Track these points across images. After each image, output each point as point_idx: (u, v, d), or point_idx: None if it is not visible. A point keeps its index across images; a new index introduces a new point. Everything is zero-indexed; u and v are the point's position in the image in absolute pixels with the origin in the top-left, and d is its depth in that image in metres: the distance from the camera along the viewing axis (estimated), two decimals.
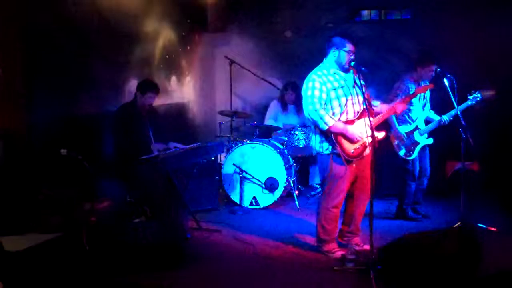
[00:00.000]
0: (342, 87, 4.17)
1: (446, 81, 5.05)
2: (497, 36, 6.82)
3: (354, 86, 4.24)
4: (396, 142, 5.29)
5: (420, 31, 7.16)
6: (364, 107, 4.19)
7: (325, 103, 4.14)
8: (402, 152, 5.29)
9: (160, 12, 6.13)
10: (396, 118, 5.34)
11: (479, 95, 5.15)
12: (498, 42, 6.80)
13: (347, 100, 4.17)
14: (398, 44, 7.26)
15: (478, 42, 6.90)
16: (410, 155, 5.28)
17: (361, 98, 4.21)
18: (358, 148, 4.15)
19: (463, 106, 5.12)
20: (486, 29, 6.87)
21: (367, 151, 4.19)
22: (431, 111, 5.48)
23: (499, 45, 6.80)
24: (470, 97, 5.15)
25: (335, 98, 4.15)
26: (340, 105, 4.15)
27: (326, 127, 4.08)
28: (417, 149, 5.29)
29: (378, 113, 4.37)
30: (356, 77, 4.25)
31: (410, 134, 5.27)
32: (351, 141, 4.12)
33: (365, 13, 7.65)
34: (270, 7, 7.74)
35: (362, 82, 4.26)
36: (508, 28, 6.76)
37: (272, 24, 7.73)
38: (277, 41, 7.72)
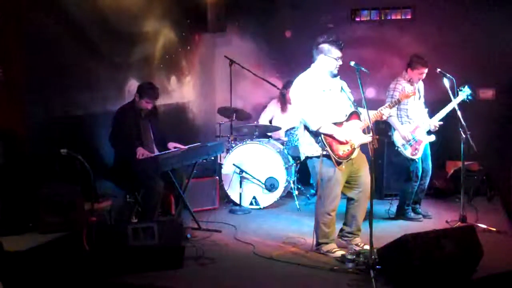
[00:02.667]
0: (330, 89, 4.22)
1: (446, 81, 5.07)
2: (497, 36, 6.83)
3: (341, 91, 4.30)
4: (401, 143, 5.27)
5: (420, 31, 7.17)
6: (353, 110, 4.24)
7: (316, 105, 4.16)
8: (408, 152, 5.26)
9: (160, 12, 6.13)
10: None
11: (468, 89, 5.15)
12: (498, 42, 6.82)
13: (335, 103, 4.21)
14: (398, 44, 7.27)
15: (478, 42, 6.92)
16: (416, 154, 5.27)
17: (348, 102, 4.27)
18: (348, 150, 4.16)
19: (457, 100, 5.12)
20: (486, 29, 6.89)
21: (356, 152, 4.22)
22: (424, 110, 5.46)
23: (499, 45, 6.82)
24: (461, 92, 5.15)
25: (323, 101, 4.18)
26: (328, 107, 4.18)
27: (316, 127, 4.10)
28: (422, 147, 5.28)
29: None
30: (343, 83, 4.34)
31: (412, 133, 5.27)
32: (340, 142, 4.13)
33: (365, 13, 7.66)
34: (270, 7, 7.75)
35: (349, 90, 4.36)
36: (508, 28, 6.77)
37: (272, 24, 7.74)
38: (277, 41, 7.73)
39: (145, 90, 4.88)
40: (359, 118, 4.25)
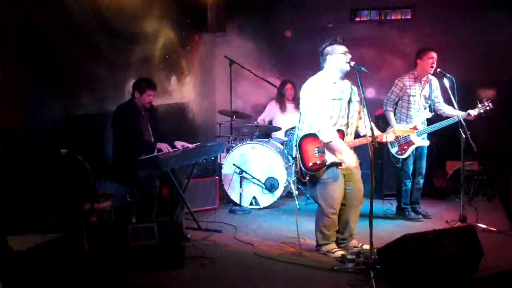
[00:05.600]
0: (340, 98, 4.21)
1: (446, 81, 5.07)
2: (497, 36, 6.83)
3: (349, 100, 4.26)
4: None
5: (420, 31, 7.17)
6: (341, 128, 4.21)
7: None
8: (394, 150, 5.31)
9: (160, 12, 6.13)
10: (394, 115, 5.35)
11: (490, 104, 5.10)
12: (498, 42, 6.81)
13: (340, 112, 4.21)
14: (398, 44, 7.27)
15: (478, 42, 6.91)
16: (402, 154, 5.28)
17: (350, 113, 4.27)
18: (317, 164, 4.16)
19: (473, 112, 5.11)
20: (486, 29, 6.88)
21: (325, 168, 4.19)
22: (449, 106, 5.37)
23: (499, 45, 6.81)
24: (479, 105, 5.11)
25: (332, 109, 4.18)
26: (332, 116, 4.19)
27: (328, 140, 4.11)
28: (411, 149, 5.27)
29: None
30: (353, 92, 4.29)
31: (405, 132, 5.24)
32: (312, 154, 4.15)
33: (365, 13, 7.66)
34: (270, 7, 7.75)
35: (359, 97, 4.30)
36: (508, 28, 6.77)
37: (272, 24, 7.74)
38: (277, 41, 7.73)
39: (143, 83, 4.91)
40: (342, 137, 4.22)
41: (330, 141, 4.10)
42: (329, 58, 4.21)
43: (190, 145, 5.07)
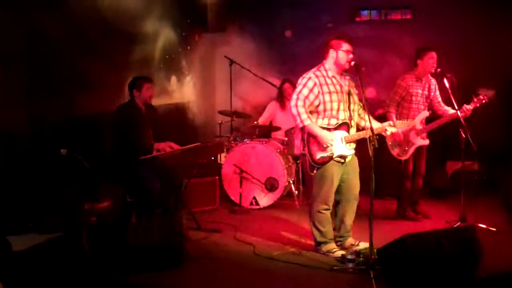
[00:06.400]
0: (337, 92, 4.20)
1: (446, 81, 5.06)
2: (498, 36, 6.83)
3: (349, 93, 4.27)
4: (391, 141, 5.28)
5: (420, 31, 7.18)
6: (345, 121, 4.21)
7: (314, 104, 4.16)
8: (395, 152, 5.27)
9: (160, 12, 6.13)
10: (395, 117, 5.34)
11: (485, 98, 5.10)
12: (498, 42, 6.82)
13: (338, 105, 4.20)
14: (398, 44, 7.27)
15: (478, 42, 6.92)
16: (403, 155, 5.26)
17: (351, 106, 4.26)
18: (325, 157, 4.15)
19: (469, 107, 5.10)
20: (486, 29, 6.88)
21: (332, 161, 4.19)
22: (447, 106, 5.33)
23: (499, 45, 6.81)
24: (475, 100, 5.10)
25: (328, 102, 4.17)
26: (332, 109, 4.18)
27: (301, 125, 4.13)
28: (411, 149, 5.25)
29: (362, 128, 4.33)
30: (352, 84, 4.30)
31: (405, 133, 5.24)
32: (320, 147, 4.13)
33: (365, 13, 7.67)
34: (270, 7, 7.76)
35: (357, 91, 4.30)
36: (508, 28, 6.77)
37: (272, 24, 7.74)
38: (277, 41, 7.73)
39: (138, 80, 4.92)
40: (348, 130, 4.23)
41: (304, 125, 4.11)
42: (332, 51, 4.22)
43: (177, 146, 5.05)
